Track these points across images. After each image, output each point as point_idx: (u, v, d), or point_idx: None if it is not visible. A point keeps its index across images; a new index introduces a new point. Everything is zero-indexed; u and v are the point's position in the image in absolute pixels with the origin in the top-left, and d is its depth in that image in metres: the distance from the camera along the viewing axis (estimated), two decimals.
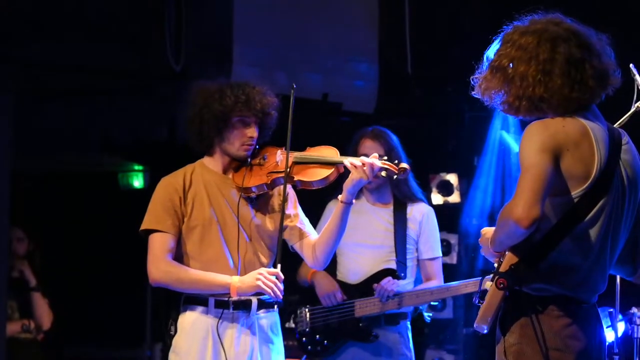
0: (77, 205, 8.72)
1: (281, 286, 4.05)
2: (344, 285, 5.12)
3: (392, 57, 7.52)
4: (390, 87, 7.46)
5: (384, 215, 5.16)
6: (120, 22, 6.63)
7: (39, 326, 6.51)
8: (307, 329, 5.15)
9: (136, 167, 8.97)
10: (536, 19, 3.18)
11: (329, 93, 7.24)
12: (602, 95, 3.16)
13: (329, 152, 4.15)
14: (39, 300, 6.54)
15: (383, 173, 4.03)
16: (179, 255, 4.15)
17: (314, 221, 4.58)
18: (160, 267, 4.10)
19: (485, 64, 3.23)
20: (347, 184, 4.05)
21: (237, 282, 4.06)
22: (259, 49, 6.90)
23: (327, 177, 4.08)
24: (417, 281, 5.19)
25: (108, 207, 8.55)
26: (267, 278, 4.03)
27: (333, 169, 4.08)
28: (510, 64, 3.13)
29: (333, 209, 4.21)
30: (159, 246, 4.12)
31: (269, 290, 4.02)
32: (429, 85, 7.43)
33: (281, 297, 4.07)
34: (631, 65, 4.01)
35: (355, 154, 4.98)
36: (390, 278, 4.99)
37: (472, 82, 3.26)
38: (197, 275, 4.10)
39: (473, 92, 3.26)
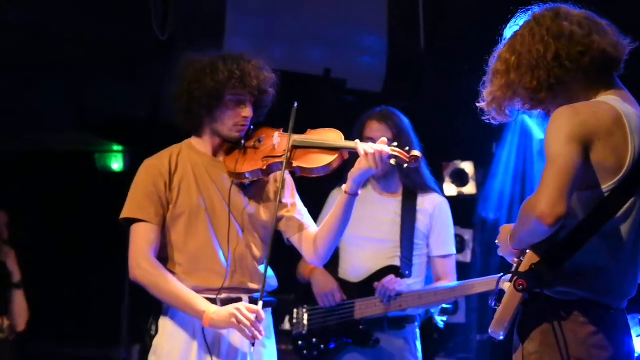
0: (50, 189, 8.70)
1: (260, 327, 3.96)
2: (344, 284, 5.08)
3: (403, 31, 7.50)
4: (400, 64, 7.43)
5: (391, 206, 5.12)
6: None
7: (13, 326, 6.45)
8: (304, 332, 5.12)
9: (115, 148, 8.95)
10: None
11: (331, 68, 7.23)
12: (617, 60, 3.18)
13: (333, 136, 4.08)
14: (19, 298, 6.48)
15: (392, 161, 3.96)
16: (162, 245, 4.12)
17: (313, 213, 4.54)
18: (141, 264, 4.06)
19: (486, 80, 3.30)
20: (353, 173, 4.00)
21: (211, 314, 3.98)
22: (254, 18, 6.89)
23: (329, 164, 4.01)
24: (429, 280, 5.15)
25: (83, 191, 8.52)
26: (245, 315, 3.95)
27: (337, 155, 4.00)
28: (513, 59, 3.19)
29: (337, 199, 4.16)
30: (141, 239, 4.07)
31: (245, 331, 3.95)
32: (444, 64, 7.41)
33: (260, 338, 3.98)
34: None
35: (360, 137, 4.91)
36: (392, 276, 4.95)
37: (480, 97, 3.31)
38: (176, 289, 4.03)
39: (483, 117, 3.30)
